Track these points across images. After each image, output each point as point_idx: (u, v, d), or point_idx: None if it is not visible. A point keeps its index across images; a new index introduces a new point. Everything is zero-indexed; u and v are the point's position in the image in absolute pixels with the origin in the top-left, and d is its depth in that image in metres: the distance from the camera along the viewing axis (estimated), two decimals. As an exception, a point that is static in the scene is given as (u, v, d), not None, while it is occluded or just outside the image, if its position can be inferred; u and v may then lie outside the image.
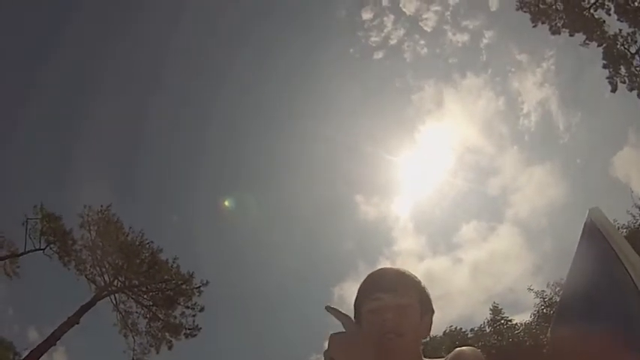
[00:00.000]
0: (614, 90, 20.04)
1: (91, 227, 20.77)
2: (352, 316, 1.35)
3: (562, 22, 20.50)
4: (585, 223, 2.13)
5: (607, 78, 20.20)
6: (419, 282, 1.40)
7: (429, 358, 1.37)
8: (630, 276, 1.78)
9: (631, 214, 21.18)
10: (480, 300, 38.60)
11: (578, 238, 2.09)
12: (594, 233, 2.01)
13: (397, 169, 37.19)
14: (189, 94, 39.64)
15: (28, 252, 20.06)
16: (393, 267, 1.43)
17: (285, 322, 42.92)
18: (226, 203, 22.13)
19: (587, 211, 2.09)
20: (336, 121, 44.17)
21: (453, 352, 1.31)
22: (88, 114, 37.14)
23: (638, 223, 20.76)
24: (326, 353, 1.21)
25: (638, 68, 18.44)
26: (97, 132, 35.14)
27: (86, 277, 20.53)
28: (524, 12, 20.74)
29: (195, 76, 40.52)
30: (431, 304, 1.41)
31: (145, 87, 39.71)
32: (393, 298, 1.30)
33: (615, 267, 1.81)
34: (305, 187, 46.04)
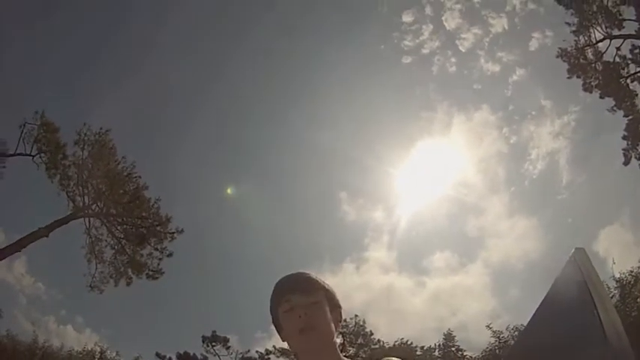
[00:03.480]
0: (626, 163, 20.08)
1: (85, 146, 20.73)
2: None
3: (597, 82, 20.45)
4: (568, 262, 2.11)
5: (623, 149, 20.24)
6: (323, 282, 1.56)
7: (349, 357, 1.53)
8: (601, 323, 1.77)
9: (607, 284, 21.38)
10: (431, 327, 38.97)
11: (558, 274, 2.09)
12: (575, 273, 2.00)
13: (386, 178, 37.61)
14: (208, 58, 39.29)
15: (17, 154, 20.00)
16: (297, 272, 1.59)
17: (239, 295, 43.65)
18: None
19: (573, 250, 2.08)
20: (341, 113, 44.25)
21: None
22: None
23: (610, 296, 20.96)
24: None
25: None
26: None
27: (67, 194, 20.55)
28: (563, 61, 20.71)
29: (210, 49, 40.15)
30: (337, 300, 1.57)
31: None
32: (302, 298, 1.47)
33: (588, 311, 1.81)
34: (294, 174, 47.10)
